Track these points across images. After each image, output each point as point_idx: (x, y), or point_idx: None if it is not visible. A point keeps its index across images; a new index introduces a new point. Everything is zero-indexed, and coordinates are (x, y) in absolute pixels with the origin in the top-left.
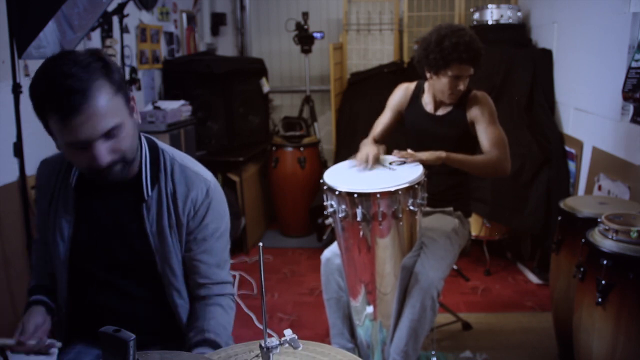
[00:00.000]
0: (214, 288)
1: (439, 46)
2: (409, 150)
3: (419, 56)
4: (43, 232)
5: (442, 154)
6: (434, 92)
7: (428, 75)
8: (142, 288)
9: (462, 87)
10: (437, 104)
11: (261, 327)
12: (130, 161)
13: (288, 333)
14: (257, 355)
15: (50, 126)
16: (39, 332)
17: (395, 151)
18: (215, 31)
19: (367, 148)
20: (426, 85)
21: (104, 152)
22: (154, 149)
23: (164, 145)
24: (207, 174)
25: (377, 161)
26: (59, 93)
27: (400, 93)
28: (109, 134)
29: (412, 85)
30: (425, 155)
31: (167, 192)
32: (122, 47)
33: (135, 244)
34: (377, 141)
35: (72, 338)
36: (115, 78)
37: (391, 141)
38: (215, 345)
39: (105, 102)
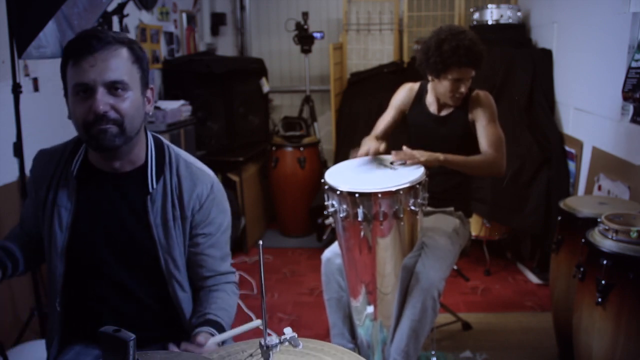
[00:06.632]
0: (219, 278)
1: (439, 50)
2: (405, 149)
3: (420, 60)
4: (27, 223)
5: (440, 156)
6: (436, 94)
7: (430, 78)
8: (142, 282)
9: (463, 89)
10: (441, 105)
11: (261, 327)
12: (128, 135)
13: (288, 331)
14: (250, 355)
15: (67, 79)
16: None
17: (394, 153)
18: (215, 31)
19: (368, 143)
20: (429, 86)
21: (103, 100)
22: (159, 144)
23: (169, 142)
24: (209, 171)
25: (377, 154)
26: (83, 37)
27: (404, 93)
28: (113, 88)
29: (415, 86)
30: (424, 157)
31: (172, 186)
32: None
33: (138, 235)
34: (379, 139)
35: (70, 338)
36: (137, 52)
37: (393, 140)
38: (216, 325)
39: (117, 58)
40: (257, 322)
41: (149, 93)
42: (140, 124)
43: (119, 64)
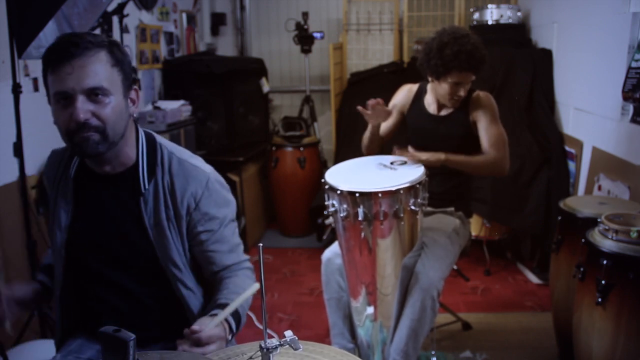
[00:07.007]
0: (232, 267)
1: (440, 53)
2: (410, 149)
3: (421, 60)
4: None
5: (441, 155)
6: (436, 95)
7: (430, 79)
8: (141, 282)
9: (462, 92)
10: (440, 105)
11: (261, 327)
12: (111, 141)
13: (289, 334)
14: (250, 357)
15: (49, 87)
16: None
17: (395, 148)
18: (215, 31)
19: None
20: (429, 86)
21: (83, 108)
22: (151, 143)
23: (162, 139)
24: (205, 167)
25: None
26: (60, 44)
27: (403, 94)
28: (93, 95)
29: (414, 87)
30: (425, 156)
31: (164, 185)
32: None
33: (133, 237)
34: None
35: (73, 331)
36: (117, 55)
37: (392, 141)
38: (225, 307)
39: (96, 63)
40: (256, 286)
41: (132, 94)
42: (124, 128)
43: (97, 70)
